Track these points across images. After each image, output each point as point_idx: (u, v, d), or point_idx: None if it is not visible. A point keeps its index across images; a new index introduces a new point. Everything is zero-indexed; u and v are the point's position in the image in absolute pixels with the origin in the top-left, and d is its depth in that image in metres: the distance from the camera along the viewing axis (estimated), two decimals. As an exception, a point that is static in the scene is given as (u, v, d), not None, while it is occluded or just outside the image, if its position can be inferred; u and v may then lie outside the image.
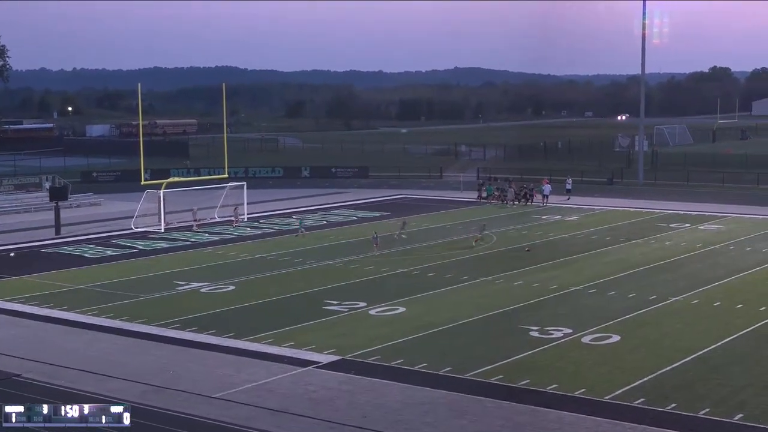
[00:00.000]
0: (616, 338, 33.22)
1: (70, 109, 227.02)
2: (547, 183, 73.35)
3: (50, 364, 30.71)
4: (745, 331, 34.16)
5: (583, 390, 27.48)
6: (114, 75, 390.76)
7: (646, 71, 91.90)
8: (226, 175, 67.46)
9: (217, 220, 63.19)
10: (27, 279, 44.87)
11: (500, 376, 28.88)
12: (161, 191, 60.49)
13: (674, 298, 39.44)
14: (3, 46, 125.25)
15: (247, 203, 64.98)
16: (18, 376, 29.37)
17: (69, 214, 65.04)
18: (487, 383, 28.31)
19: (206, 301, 39.66)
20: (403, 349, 31.95)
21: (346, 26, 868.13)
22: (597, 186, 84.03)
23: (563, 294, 40.61)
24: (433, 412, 25.92)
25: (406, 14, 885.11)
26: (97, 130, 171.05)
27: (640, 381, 28.24)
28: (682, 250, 51.02)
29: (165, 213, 60.25)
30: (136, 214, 60.79)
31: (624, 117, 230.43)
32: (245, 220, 63.03)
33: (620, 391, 27.29)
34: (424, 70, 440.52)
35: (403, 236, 55.11)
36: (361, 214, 67.24)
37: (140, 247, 53.57)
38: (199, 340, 33.61)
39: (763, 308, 37.43)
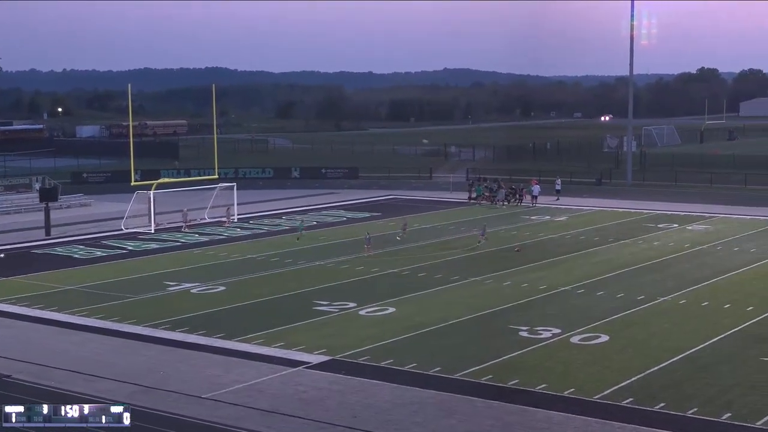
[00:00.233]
0: (604, 338, 33.39)
1: (60, 110, 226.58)
2: (536, 184, 73.55)
3: (40, 364, 30.75)
4: (733, 330, 34.37)
5: (572, 390, 27.63)
6: (104, 76, 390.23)
7: (635, 72, 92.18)
8: (216, 176, 67.52)
9: (208, 220, 63.23)
10: (17, 280, 44.85)
11: (490, 376, 29.02)
12: (151, 192, 60.50)
13: (662, 298, 39.65)
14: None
15: (238, 204, 65.02)
16: (8, 377, 29.39)
17: (59, 215, 65.00)
18: (477, 383, 28.44)
19: (197, 302, 39.72)
20: (393, 350, 32.07)
21: (336, 27, 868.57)
22: (585, 186, 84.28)
23: (552, 294, 40.79)
24: (422, 411, 26.04)
25: (396, 15, 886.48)
26: (87, 131, 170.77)
27: (629, 381, 28.42)
28: (670, 251, 51.25)
29: (155, 214, 60.26)
30: (126, 215, 60.79)
31: (607, 118, 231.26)
32: (235, 220, 63.09)
33: (609, 391, 27.45)
34: (413, 71, 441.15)
35: (398, 237, 55.25)
36: (351, 214, 67.35)
37: (130, 248, 53.58)
38: (189, 340, 33.68)
39: (751, 308, 37.66)
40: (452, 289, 42.14)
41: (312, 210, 69.48)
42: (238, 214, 64.21)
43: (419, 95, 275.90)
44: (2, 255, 51.28)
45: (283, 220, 64.14)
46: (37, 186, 71.14)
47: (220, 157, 68.80)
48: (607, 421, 25.14)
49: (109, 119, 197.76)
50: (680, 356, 31.05)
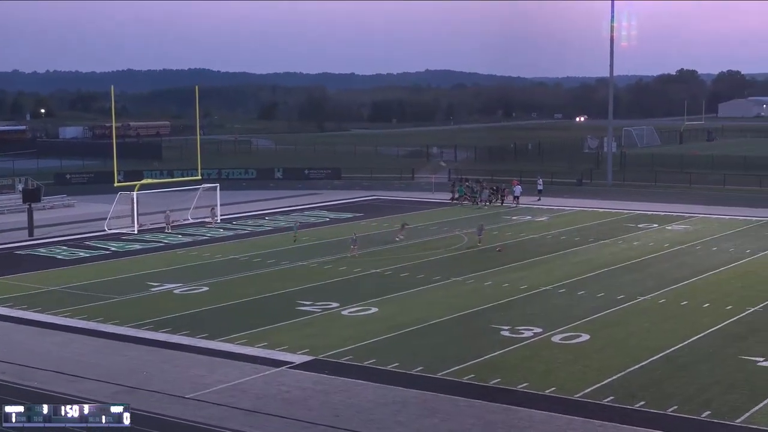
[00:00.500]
0: (585, 337, 33.68)
1: (43, 111, 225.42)
2: (518, 184, 73.86)
3: (22, 365, 30.78)
4: (712, 329, 34.72)
5: (553, 388, 27.90)
6: (87, 77, 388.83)
7: (615, 73, 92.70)
8: (200, 177, 67.56)
9: (191, 221, 63.26)
10: (0, 281, 44.80)
11: (472, 375, 29.25)
12: (134, 193, 60.48)
13: (642, 298, 39.99)
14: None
15: (221, 205, 65.08)
16: (-8, 377, 29.45)
17: (42, 215, 64.92)
18: (459, 382, 28.67)
19: (180, 302, 39.81)
20: (375, 349, 32.26)
21: (318, 28, 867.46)
22: (566, 187, 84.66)
23: (533, 294, 41.08)
24: (405, 411, 26.24)
25: (377, 17, 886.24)
26: (70, 132, 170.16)
27: (609, 379, 28.70)
28: (650, 250, 51.64)
29: (138, 214, 60.26)
30: (109, 215, 60.73)
31: (583, 118, 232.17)
32: (219, 221, 63.14)
33: (590, 390, 27.73)
34: (395, 73, 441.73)
35: (397, 238, 55.49)
36: (334, 215, 67.50)
37: (114, 249, 53.59)
38: (172, 340, 33.78)
39: (729, 307, 38.05)
40: (434, 289, 42.38)
41: (295, 211, 69.57)
42: (221, 215, 64.27)
43: (401, 96, 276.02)
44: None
45: (266, 221, 64.25)
46: (20, 187, 70.90)
47: (203, 158, 68.86)
48: (588, 420, 25.39)
49: (92, 120, 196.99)
50: (660, 355, 31.36)
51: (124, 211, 60.77)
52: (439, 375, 29.37)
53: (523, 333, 34.22)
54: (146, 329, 35.34)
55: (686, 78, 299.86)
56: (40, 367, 30.54)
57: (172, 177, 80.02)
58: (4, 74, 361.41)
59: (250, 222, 63.97)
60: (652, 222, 62.68)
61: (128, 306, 39.23)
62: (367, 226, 60.57)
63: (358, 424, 25.23)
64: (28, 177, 76.12)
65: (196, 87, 70.77)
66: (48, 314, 37.89)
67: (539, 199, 74.54)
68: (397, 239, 55.31)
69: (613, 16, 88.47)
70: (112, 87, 65.28)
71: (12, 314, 38.09)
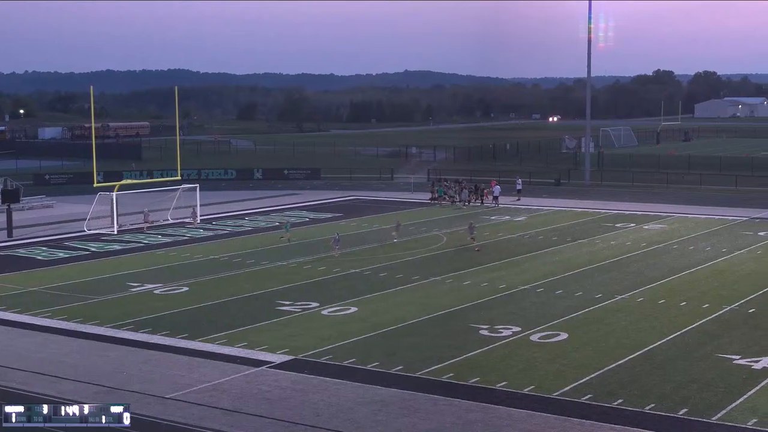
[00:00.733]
0: (563, 336, 33.91)
1: (22, 111, 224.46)
2: (496, 185, 74.13)
3: (1, 366, 30.70)
4: (689, 328, 35.02)
5: (532, 387, 28.10)
6: (66, 78, 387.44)
7: (592, 74, 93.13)
8: (179, 177, 67.51)
9: (171, 221, 63.22)
10: (-22, 282, 44.70)
11: (451, 374, 29.41)
12: (114, 193, 60.38)
13: (620, 297, 40.27)
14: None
15: (201, 205, 65.03)
16: (-28, 378, 29.38)
17: (21, 216, 64.69)
18: (438, 381, 28.82)
19: (160, 303, 39.81)
20: (355, 349, 32.39)
21: (297, 29, 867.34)
22: (544, 187, 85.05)
23: (512, 293, 41.28)
24: (385, 410, 26.37)
25: (356, 17, 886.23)
26: (49, 132, 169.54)
27: (588, 378, 28.93)
28: (627, 250, 51.98)
29: (118, 215, 60.17)
30: (88, 216, 60.60)
31: (555, 119, 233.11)
32: (199, 222, 63.11)
33: (568, 388, 27.94)
34: (374, 73, 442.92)
35: (393, 233, 55.76)
36: (314, 215, 67.58)
37: (93, 249, 53.49)
38: (152, 341, 33.80)
39: (706, 305, 38.38)
40: (413, 288, 42.53)
41: (275, 211, 69.62)
42: (201, 216, 64.23)
43: (380, 97, 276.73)
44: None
45: (246, 221, 64.27)
46: (-1, 188, 70.64)
47: (183, 159, 68.81)
48: (567, 418, 25.59)
49: (71, 121, 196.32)
50: (638, 353, 31.62)
51: (103, 212, 60.65)
52: (418, 374, 29.52)
53: (501, 332, 34.41)
54: (126, 329, 35.34)
55: (663, 79, 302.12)
56: (20, 368, 30.49)
57: (152, 177, 79.97)
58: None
59: (229, 222, 63.98)
60: (629, 222, 63.06)
61: (108, 306, 39.20)
62: (347, 226, 60.70)
63: (338, 424, 25.35)
64: (6, 177, 75.64)
65: (176, 88, 70.71)
66: (28, 315, 37.81)
67: (518, 199, 74.85)
68: (393, 236, 55.59)
69: (590, 17, 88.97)
70: (92, 87, 65.07)
71: (-9, 315, 37.98)
